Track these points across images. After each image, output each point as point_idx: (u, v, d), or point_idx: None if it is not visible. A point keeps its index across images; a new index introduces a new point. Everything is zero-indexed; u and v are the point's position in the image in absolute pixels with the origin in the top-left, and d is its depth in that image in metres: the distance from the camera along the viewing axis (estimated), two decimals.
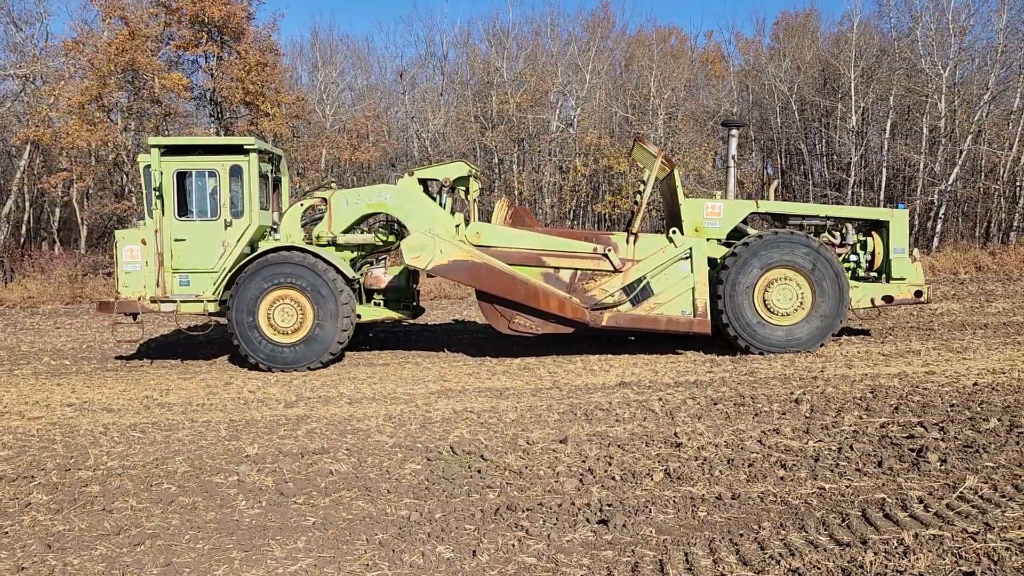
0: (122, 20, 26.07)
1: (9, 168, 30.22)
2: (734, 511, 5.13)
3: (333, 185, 12.34)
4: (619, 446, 6.67)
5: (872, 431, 6.80)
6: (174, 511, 5.44)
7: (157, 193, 10.96)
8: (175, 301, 11.11)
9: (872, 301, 11.50)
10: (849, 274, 11.75)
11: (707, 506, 5.21)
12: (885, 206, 29.81)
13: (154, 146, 11.08)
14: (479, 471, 6.14)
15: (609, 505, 5.27)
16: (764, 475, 5.78)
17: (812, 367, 9.93)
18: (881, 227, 11.82)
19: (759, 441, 6.63)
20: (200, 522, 5.21)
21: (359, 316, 11.54)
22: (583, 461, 6.29)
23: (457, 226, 11.30)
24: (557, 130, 30.67)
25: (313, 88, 34.02)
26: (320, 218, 11.75)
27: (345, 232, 11.64)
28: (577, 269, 11.16)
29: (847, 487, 5.46)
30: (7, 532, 5.09)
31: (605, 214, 29.82)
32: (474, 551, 4.63)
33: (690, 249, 11.13)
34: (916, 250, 11.84)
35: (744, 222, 11.73)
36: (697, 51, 41.26)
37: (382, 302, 11.96)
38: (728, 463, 6.06)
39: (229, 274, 11.07)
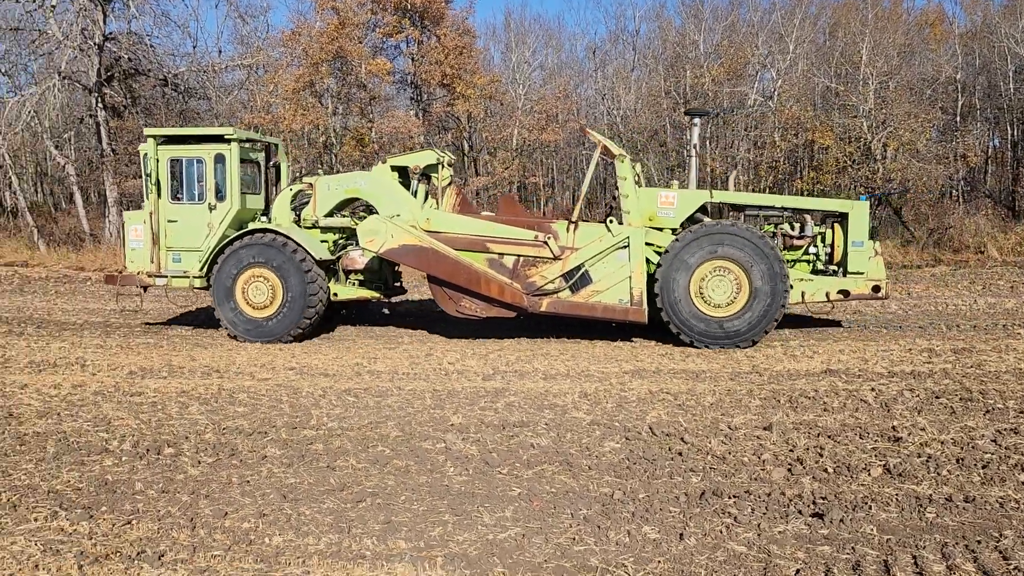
0: (333, 10, 27.84)
1: None
2: (968, 515, 4.70)
3: (320, 172, 12.91)
4: (829, 437, 6.31)
5: None
6: (389, 472, 5.78)
7: (152, 179, 12.18)
8: (166, 276, 12.35)
9: (827, 295, 11.06)
10: (809, 267, 11.34)
11: (936, 507, 4.81)
12: None
13: (150, 136, 12.30)
14: (680, 453, 6.04)
15: (823, 498, 5.00)
16: (1002, 478, 5.25)
17: None
18: (842, 219, 11.11)
19: (993, 440, 6.04)
20: (413, 484, 5.50)
21: (335, 295, 12.27)
22: (791, 450, 6.02)
23: None
24: (755, 103, 29.32)
25: (506, 68, 34.69)
26: (308, 202, 12.47)
27: (327, 216, 12.33)
28: (520, 256, 11.28)
29: None
30: (248, 481, 5.63)
31: (804, 190, 28.19)
32: (681, 534, 4.56)
33: (628, 238, 10.97)
34: (877, 243, 11.09)
35: (703, 211, 11.36)
36: (914, 13, 37.87)
37: (357, 282, 12.61)
38: (957, 462, 5.57)
39: (212, 253, 12.03)
